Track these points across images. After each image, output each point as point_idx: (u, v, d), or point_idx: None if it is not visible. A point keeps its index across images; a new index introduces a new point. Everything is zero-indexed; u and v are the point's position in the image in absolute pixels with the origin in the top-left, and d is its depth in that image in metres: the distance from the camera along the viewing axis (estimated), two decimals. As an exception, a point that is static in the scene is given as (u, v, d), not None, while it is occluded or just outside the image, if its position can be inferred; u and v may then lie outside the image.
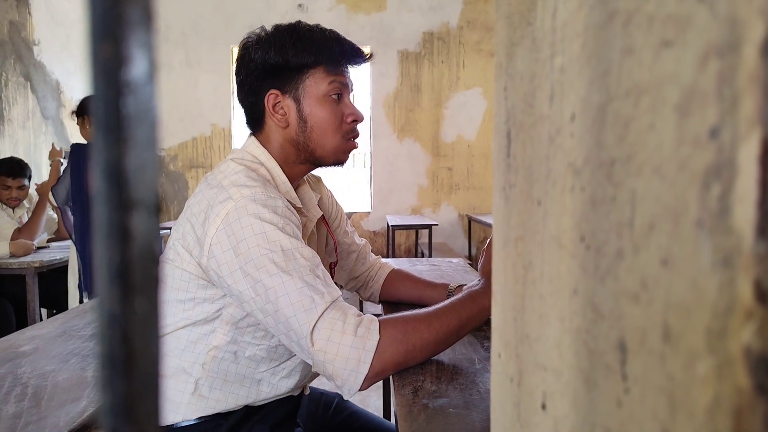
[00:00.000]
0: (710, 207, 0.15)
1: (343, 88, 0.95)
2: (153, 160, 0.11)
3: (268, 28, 0.95)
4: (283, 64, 0.91)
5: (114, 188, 0.10)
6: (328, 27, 0.97)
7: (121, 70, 0.10)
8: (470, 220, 4.88)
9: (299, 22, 0.95)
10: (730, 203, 0.14)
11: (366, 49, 0.98)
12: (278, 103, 0.93)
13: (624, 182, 0.20)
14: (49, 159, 2.89)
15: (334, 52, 0.93)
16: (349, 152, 0.99)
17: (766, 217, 0.13)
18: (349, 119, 0.96)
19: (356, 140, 0.99)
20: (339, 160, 0.98)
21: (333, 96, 0.94)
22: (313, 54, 0.92)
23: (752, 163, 0.14)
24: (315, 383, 1.21)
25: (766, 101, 0.13)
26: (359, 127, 0.99)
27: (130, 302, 0.10)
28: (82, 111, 2.67)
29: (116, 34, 0.10)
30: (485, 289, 0.89)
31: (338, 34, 0.95)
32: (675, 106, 0.17)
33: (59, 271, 2.76)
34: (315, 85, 0.93)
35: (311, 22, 0.97)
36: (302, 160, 0.97)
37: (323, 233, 1.14)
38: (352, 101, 0.97)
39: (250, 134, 1.00)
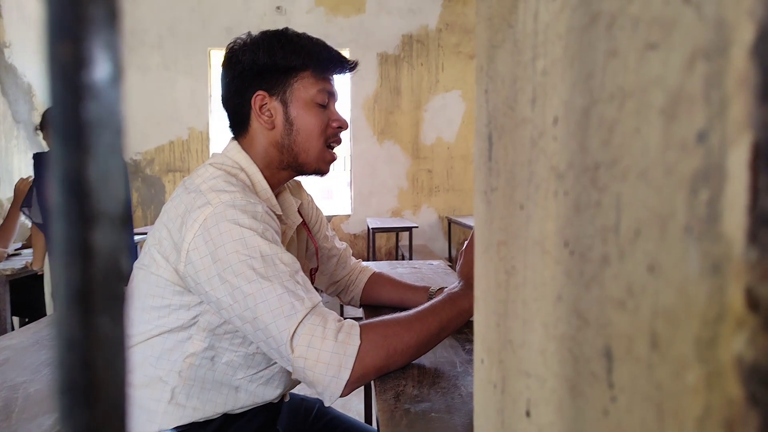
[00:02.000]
0: (698, 213, 0.15)
1: (329, 96, 0.96)
2: (117, 168, 0.10)
3: (254, 33, 0.96)
4: (271, 66, 0.92)
5: (73, 200, 0.09)
6: (307, 29, 0.98)
7: (82, 73, 0.09)
8: (450, 222, 4.90)
9: (287, 28, 0.97)
10: (719, 209, 0.14)
11: (350, 57, 1.00)
12: (265, 105, 0.94)
13: (609, 187, 0.20)
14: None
15: (322, 57, 0.95)
16: (330, 163, 1.00)
17: (757, 223, 0.13)
18: (335, 124, 0.97)
19: (336, 150, 1.01)
20: (320, 168, 0.99)
21: (319, 102, 0.95)
22: (302, 57, 0.93)
23: (742, 168, 0.13)
24: (295, 389, 1.20)
25: (756, 105, 0.13)
26: (342, 135, 1.01)
27: (92, 324, 0.10)
28: (44, 122, 2.61)
29: (76, 33, 0.09)
30: (464, 291, 0.89)
31: (325, 42, 0.97)
32: (661, 109, 0.17)
33: (33, 278, 2.69)
34: (303, 89, 0.94)
35: (289, 23, 0.98)
36: (285, 165, 0.97)
37: (303, 238, 1.13)
38: (336, 110, 0.99)
39: (232, 138, 0.99)
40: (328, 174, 1.03)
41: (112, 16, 0.10)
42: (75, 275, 0.10)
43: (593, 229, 0.21)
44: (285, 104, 0.94)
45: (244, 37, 0.95)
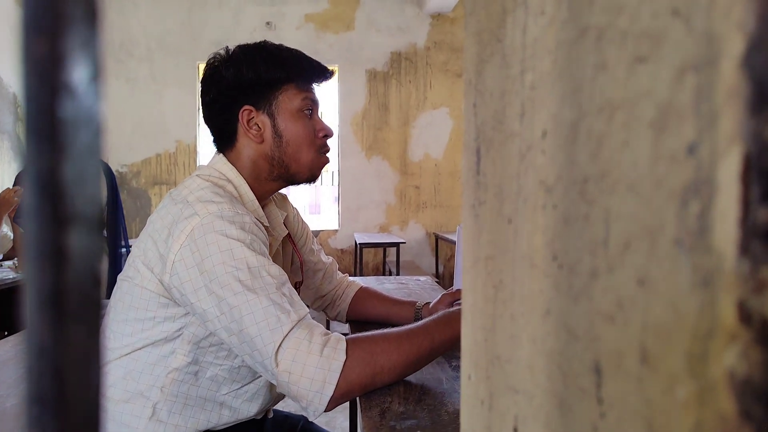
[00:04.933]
0: (689, 225, 0.15)
1: (313, 105, 0.97)
2: (94, 169, 0.09)
3: (232, 48, 0.96)
4: (256, 80, 0.93)
5: (47, 201, 0.09)
6: (296, 45, 0.99)
7: (58, 70, 0.09)
8: (437, 238, 4.90)
9: (265, 41, 0.98)
10: (709, 221, 0.14)
11: (339, 74, 1.02)
12: (252, 119, 0.94)
13: (597, 200, 0.20)
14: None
15: (303, 68, 0.96)
16: (322, 167, 1.01)
17: (748, 235, 0.13)
18: (321, 134, 0.98)
19: (328, 155, 1.01)
20: (313, 175, 1.00)
21: (305, 111, 0.96)
22: (285, 70, 0.94)
23: (733, 180, 0.13)
24: (279, 405, 1.18)
25: (746, 116, 0.13)
26: (329, 142, 1.01)
27: (64, 331, 0.09)
28: None
29: (53, 30, 0.09)
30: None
31: (303, 53, 0.98)
32: (650, 122, 0.17)
33: (13, 290, 2.63)
34: (288, 100, 0.95)
35: (279, 39, 0.99)
36: (275, 176, 0.97)
37: (289, 251, 1.12)
38: (320, 119, 1.00)
39: (217, 152, 0.99)
40: (317, 180, 1.04)
41: (90, 14, 0.09)
42: (47, 280, 0.09)
43: (582, 242, 0.21)
44: (272, 117, 0.94)
45: (222, 52, 0.96)
